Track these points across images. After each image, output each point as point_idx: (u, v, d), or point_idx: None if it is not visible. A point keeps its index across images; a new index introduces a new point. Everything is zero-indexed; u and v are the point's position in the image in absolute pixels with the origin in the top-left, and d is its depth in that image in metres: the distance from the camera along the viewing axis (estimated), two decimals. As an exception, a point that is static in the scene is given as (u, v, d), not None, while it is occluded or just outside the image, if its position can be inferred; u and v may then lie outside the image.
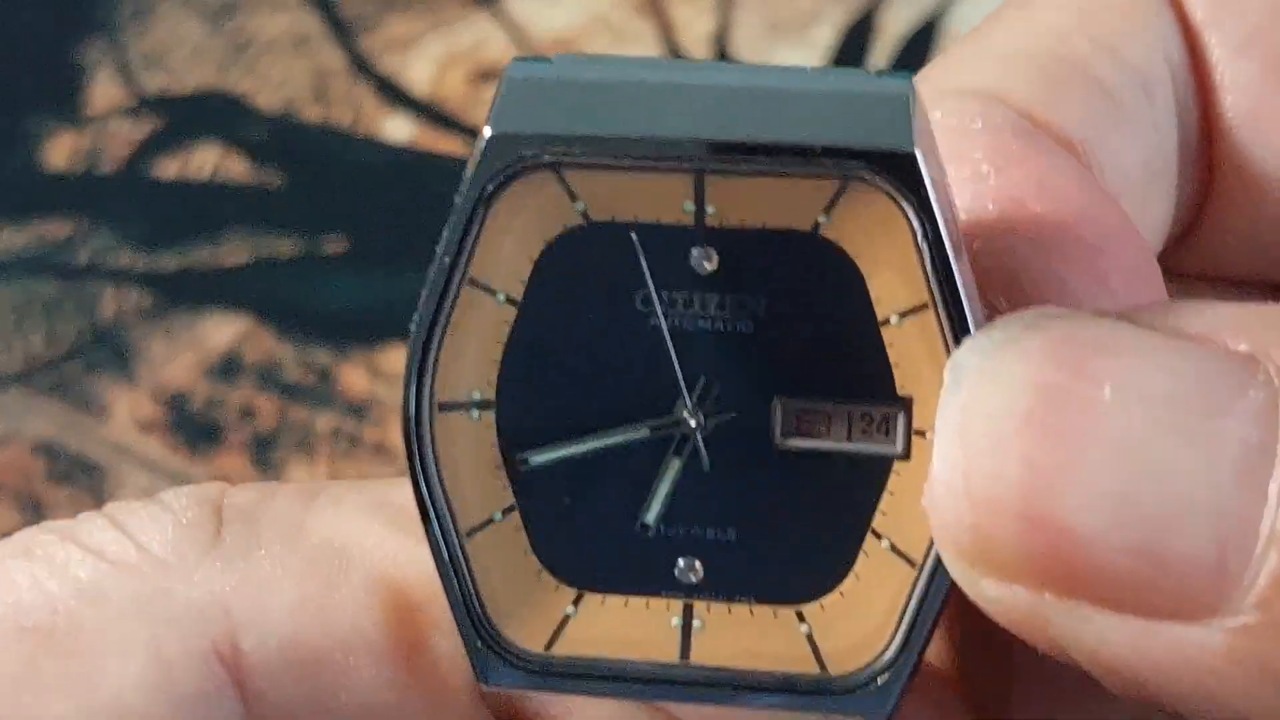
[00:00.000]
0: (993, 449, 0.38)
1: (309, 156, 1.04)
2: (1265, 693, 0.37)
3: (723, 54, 1.05)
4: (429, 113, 1.05)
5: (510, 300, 0.43)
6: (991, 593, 0.39)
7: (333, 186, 1.04)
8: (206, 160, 1.04)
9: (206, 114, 1.05)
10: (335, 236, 1.02)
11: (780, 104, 0.41)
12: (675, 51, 1.05)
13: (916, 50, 1.04)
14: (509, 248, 0.43)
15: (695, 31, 1.06)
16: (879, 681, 0.43)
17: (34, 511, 0.98)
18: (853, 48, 1.05)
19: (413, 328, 0.42)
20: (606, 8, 1.06)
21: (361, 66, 1.05)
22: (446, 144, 1.04)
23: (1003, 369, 0.38)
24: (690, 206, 0.42)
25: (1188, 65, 0.50)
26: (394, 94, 1.05)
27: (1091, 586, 0.38)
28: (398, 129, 1.04)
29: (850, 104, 0.41)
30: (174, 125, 1.04)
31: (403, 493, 0.45)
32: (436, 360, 0.43)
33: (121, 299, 1.01)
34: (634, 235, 0.43)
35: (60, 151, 1.04)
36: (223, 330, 1.01)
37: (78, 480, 0.98)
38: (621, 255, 0.43)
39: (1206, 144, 0.50)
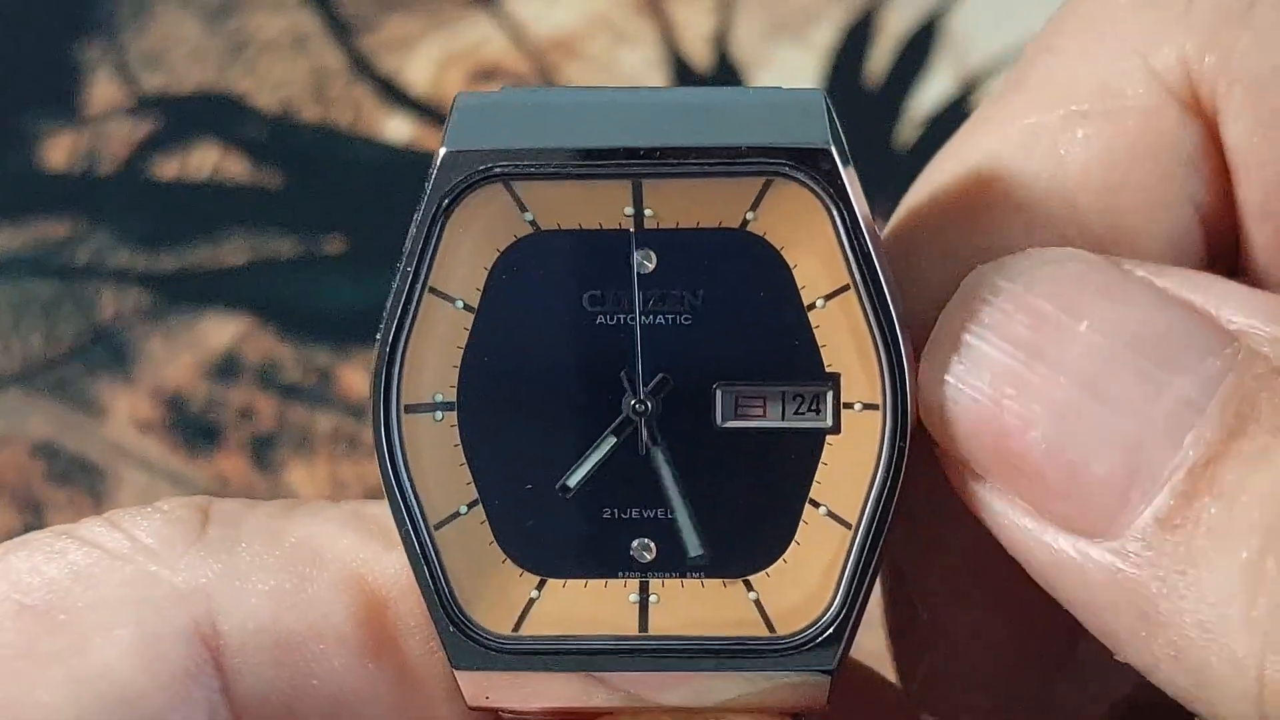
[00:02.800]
0: (974, 357, 0.45)
1: (308, 156, 1.06)
2: (1126, 615, 0.43)
3: (723, 54, 1.07)
4: (428, 112, 1.06)
5: (467, 306, 0.49)
6: (957, 477, 0.47)
7: (332, 186, 1.06)
8: (205, 160, 1.05)
9: (205, 114, 1.06)
10: (334, 236, 1.05)
11: (707, 114, 0.48)
12: (675, 51, 1.07)
13: (916, 50, 1.07)
14: (465, 257, 0.49)
15: (695, 31, 1.08)
16: (824, 636, 0.49)
17: (33, 512, 1.01)
18: (853, 48, 1.07)
19: (378, 335, 0.48)
20: (606, 8, 1.08)
21: (361, 66, 1.07)
22: (446, 144, 1.06)
23: (1008, 290, 0.45)
24: (630, 211, 0.48)
25: (1215, 178, 0.50)
26: (393, 94, 1.07)
27: (1023, 488, 0.45)
28: (397, 129, 1.06)
29: (769, 111, 0.48)
30: (173, 125, 1.06)
31: (376, 508, 0.51)
32: (402, 366, 0.48)
33: (120, 299, 1.03)
34: (630, 231, 0.49)
35: (59, 151, 1.06)
36: (222, 330, 1.03)
37: (77, 480, 1.01)
38: (569, 260, 0.49)
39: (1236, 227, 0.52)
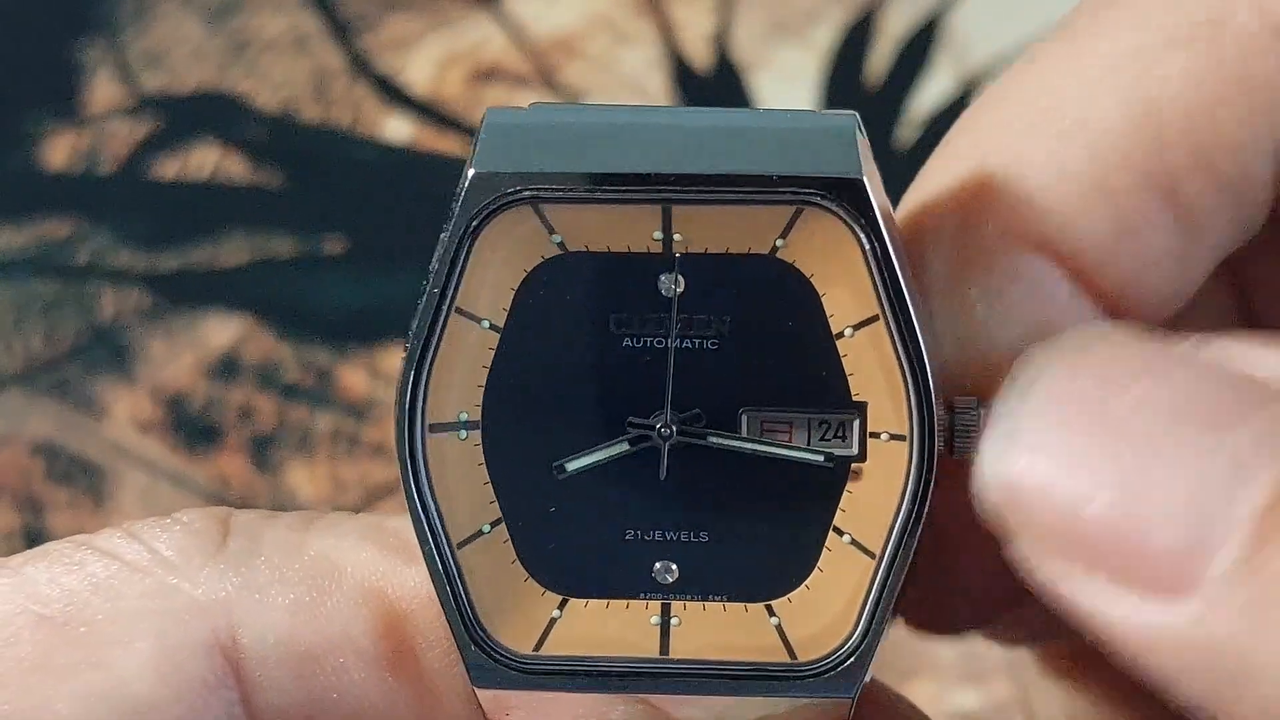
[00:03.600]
0: (1034, 439, 0.45)
1: (308, 156, 1.06)
2: (1201, 676, 0.43)
3: (723, 54, 1.07)
4: (429, 112, 1.07)
5: (494, 327, 0.49)
6: (1031, 565, 0.46)
7: (332, 186, 1.06)
8: (206, 160, 1.06)
9: (206, 114, 1.06)
10: (335, 236, 1.05)
11: (738, 140, 0.48)
12: (675, 51, 1.08)
13: (916, 50, 1.07)
14: (492, 278, 0.49)
15: (695, 31, 1.08)
16: (845, 665, 0.49)
17: (34, 512, 1.01)
18: (853, 48, 1.08)
19: (404, 355, 0.48)
20: (606, 8, 1.08)
21: (361, 66, 1.07)
22: (446, 144, 1.06)
23: (1057, 376, 0.45)
24: (659, 235, 0.48)
25: None
26: (394, 94, 1.07)
27: (1088, 560, 0.44)
28: (397, 129, 1.07)
29: (801, 138, 0.48)
30: (173, 125, 1.06)
31: (397, 521, 0.51)
32: (427, 385, 0.48)
33: (121, 299, 1.04)
34: (675, 255, 0.49)
35: (59, 151, 1.06)
36: (222, 330, 1.03)
37: (77, 480, 1.01)
38: (596, 282, 0.49)
39: None
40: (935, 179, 0.51)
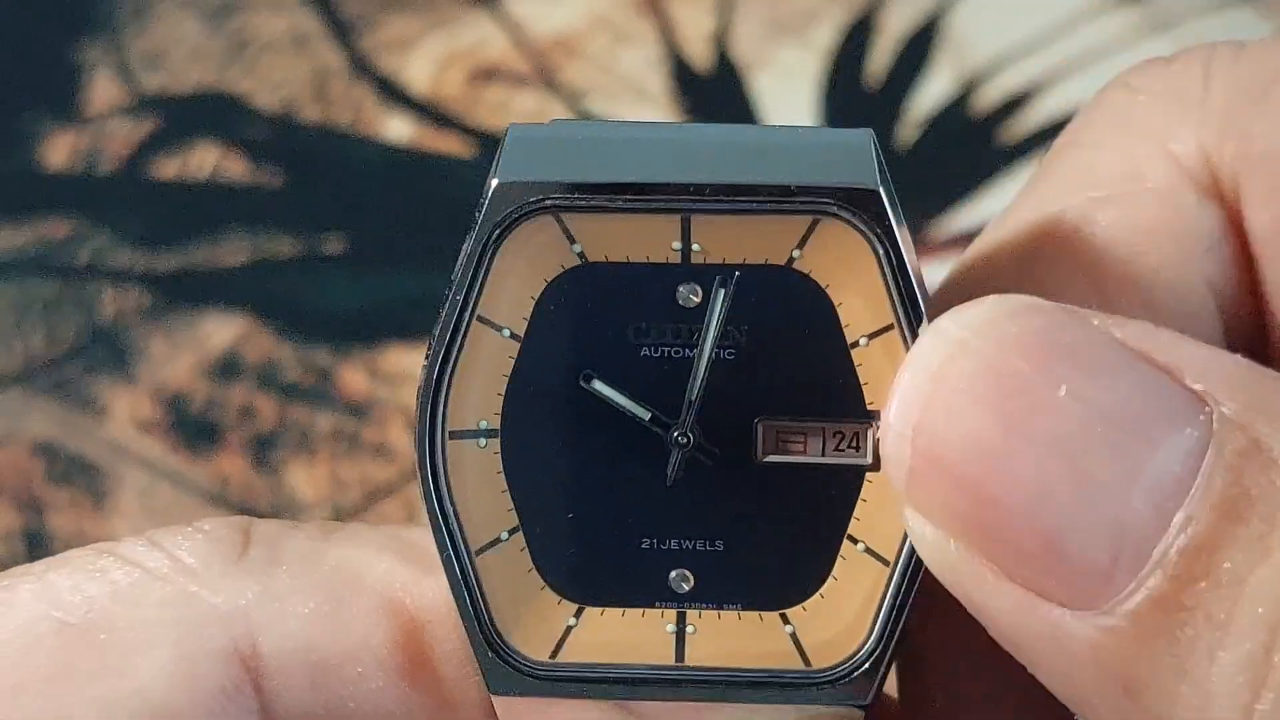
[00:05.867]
0: (946, 415, 0.44)
1: (308, 156, 1.06)
2: (1109, 691, 0.43)
3: (723, 54, 1.08)
4: (428, 112, 1.07)
5: (514, 335, 0.49)
6: (915, 526, 0.45)
7: (332, 186, 1.06)
8: (205, 160, 1.06)
9: (205, 114, 1.07)
10: (334, 236, 1.05)
11: (757, 151, 0.49)
12: (675, 51, 1.08)
13: (916, 50, 1.07)
14: (513, 286, 0.49)
15: (695, 31, 1.08)
16: (859, 671, 0.50)
17: (34, 512, 1.01)
18: (853, 48, 1.08)
19: (425, 361, 0.49)
20: (606, 8, 1.09)
21: (361, 66, 1.08)
22: (446, 144, 1.06)
23: (979, 348, 0.44)
24: (678, 245, 0.49)
25: (1236, 261, 0.51)
26: (393, 94, 1.07)
27: (996, 554, 0.44)
28: (397, 129, 1.07)
29: (818, 150, 0.49)
30: (173, 125, 1.06)
31: (414, 533, 0.51)
32: (448, 392, 0.49)
33: (121, 299, 1.04)
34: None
35: (59, 151, 1.06)
36: (222, 330, 1.04)
37: (77, 480, 1.01)
38: (615, 292, 0.49)
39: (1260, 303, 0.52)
40: None
